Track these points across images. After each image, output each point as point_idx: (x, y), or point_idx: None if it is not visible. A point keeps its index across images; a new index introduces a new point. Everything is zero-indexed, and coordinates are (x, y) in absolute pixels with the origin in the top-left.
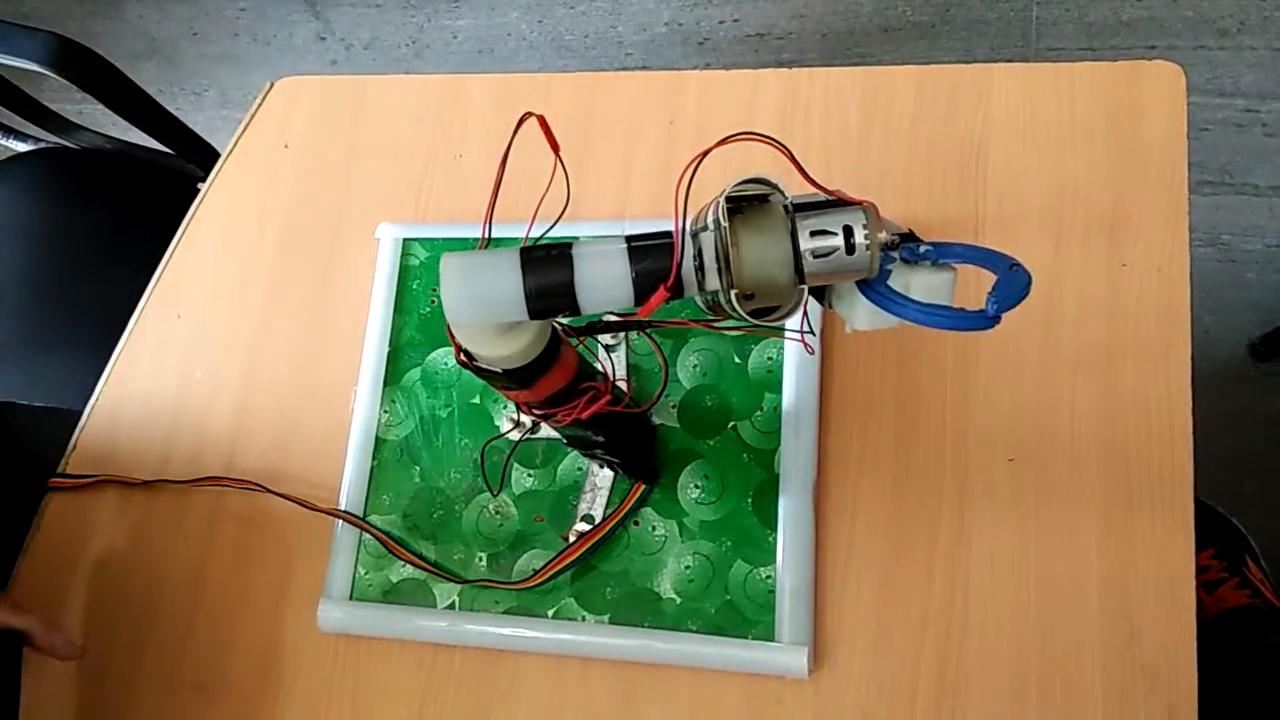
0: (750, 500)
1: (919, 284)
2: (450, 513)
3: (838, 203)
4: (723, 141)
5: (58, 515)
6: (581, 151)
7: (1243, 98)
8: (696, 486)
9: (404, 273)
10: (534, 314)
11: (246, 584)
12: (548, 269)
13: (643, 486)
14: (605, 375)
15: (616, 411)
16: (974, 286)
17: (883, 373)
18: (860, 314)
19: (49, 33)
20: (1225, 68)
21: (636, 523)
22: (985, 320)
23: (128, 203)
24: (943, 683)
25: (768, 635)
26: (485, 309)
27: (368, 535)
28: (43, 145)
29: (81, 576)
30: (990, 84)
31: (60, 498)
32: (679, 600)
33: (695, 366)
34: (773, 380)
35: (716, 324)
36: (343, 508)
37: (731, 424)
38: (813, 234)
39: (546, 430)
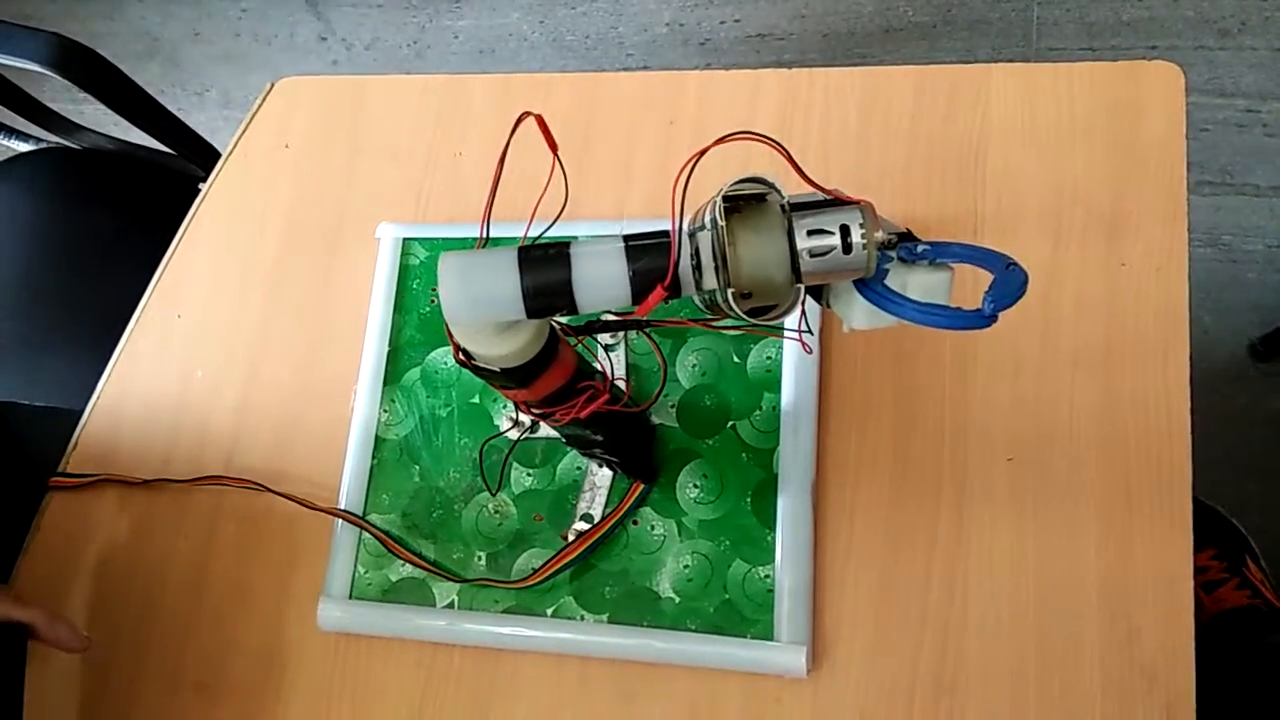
0: (749, 499)
1: (916, 283)
2: (449, 512)
3: (834, 202)
4: (720, 141)
5: (58, 515)
6: (581, 151)
7: (1243, 98)
8: (695, 486)
9: (404, 272)
10: (531, 313)
11: (247, 583)
12: (545, 268)
13: (641, 486)
14: (604, 374)
15: (615, 411)
16: (971, 286)
17: (881, 372)
18: (858, 313)
19: (51, 33)
20: (1226, 68)
21: (635, 522)
22: (982, 319)
23: (129, 203)
24: (941, 681)
25: (766, 634)
26: (483, 308)
27: (367, 534)
28: (44, 145)
29: (82, 576)
30: (989, 84)
31: (61, 497)
32: (678, 599)
33: (694, 366)
34: (771, 380)
35: (715, 323)
36: (342, 507)
37: (730, 423)
38: (809, 233)
39: (545, 429)
